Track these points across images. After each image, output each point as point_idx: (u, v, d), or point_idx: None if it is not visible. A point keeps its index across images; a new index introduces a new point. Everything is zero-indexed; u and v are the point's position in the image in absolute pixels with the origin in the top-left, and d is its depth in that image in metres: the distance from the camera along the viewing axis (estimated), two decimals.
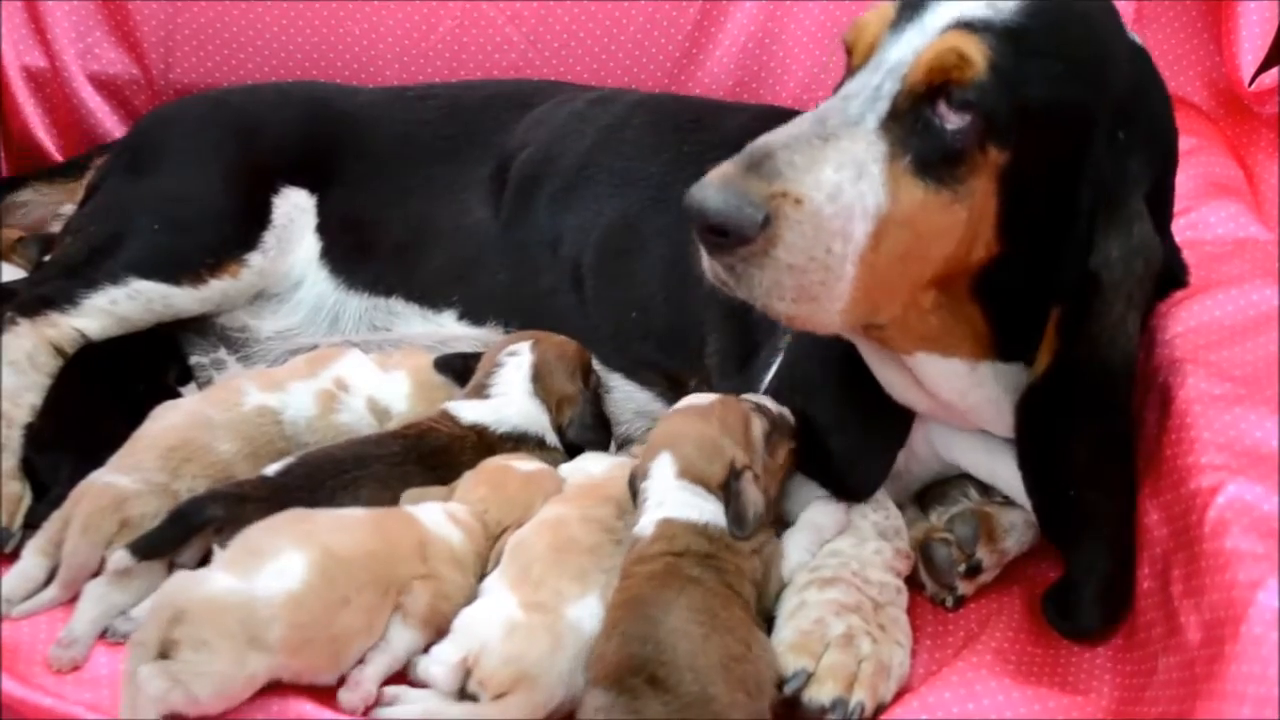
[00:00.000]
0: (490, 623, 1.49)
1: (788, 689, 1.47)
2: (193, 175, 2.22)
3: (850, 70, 1.47)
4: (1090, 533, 1.56)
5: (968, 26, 1.38)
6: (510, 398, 1.89)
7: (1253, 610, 1.25)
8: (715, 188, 1.32)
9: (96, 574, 1.60)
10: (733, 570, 1.53)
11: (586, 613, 1.51)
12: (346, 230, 2.28)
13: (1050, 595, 1.62)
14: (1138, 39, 1.56)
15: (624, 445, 2.06)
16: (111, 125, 2.68)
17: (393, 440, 1.81)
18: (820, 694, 1.46)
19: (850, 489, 1.70)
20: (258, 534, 1.50)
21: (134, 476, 1.69)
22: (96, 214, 2.23)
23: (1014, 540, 1.73)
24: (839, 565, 1.61)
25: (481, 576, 1.61)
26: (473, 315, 2.20)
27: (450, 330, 2.20)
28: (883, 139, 1.37)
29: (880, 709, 1.49)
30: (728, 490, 1.57)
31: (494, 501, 1.68)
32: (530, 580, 1.54)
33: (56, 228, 2.36)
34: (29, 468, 1.83)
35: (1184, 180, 1.88)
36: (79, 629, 1.54)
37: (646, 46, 2.65)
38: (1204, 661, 1.31)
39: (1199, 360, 1.61)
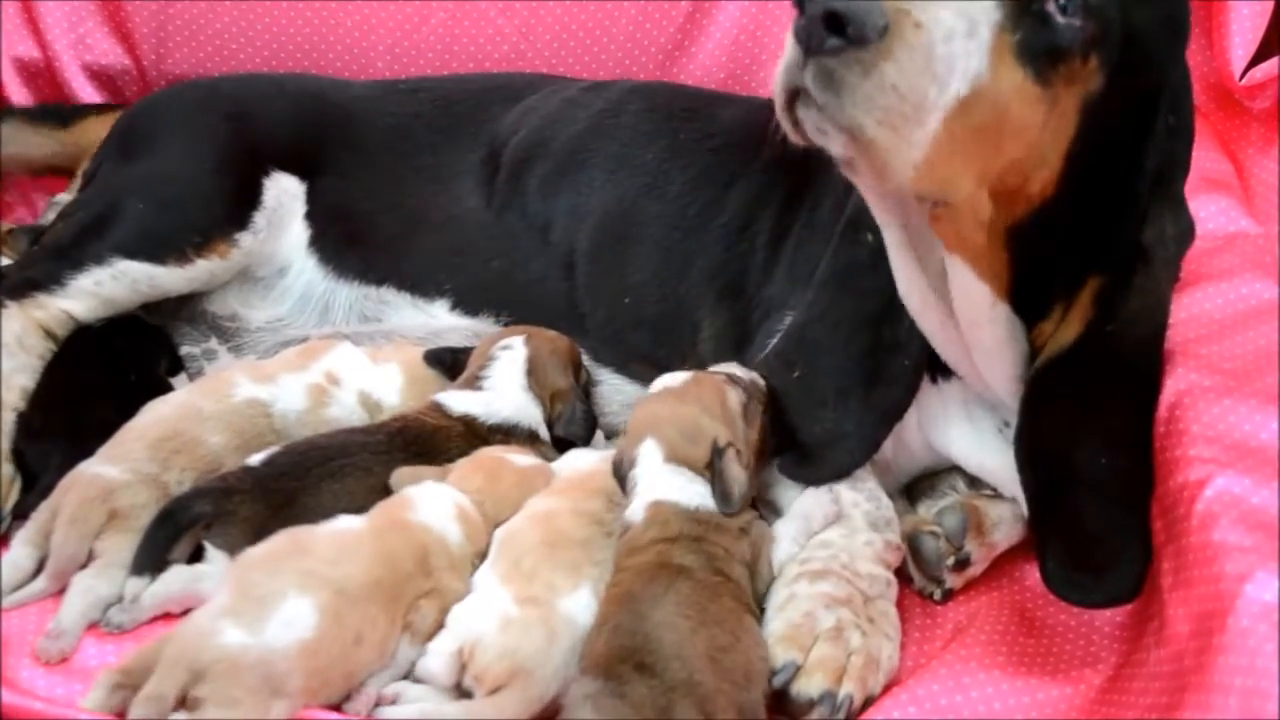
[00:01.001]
0: (485, 617, 1.49)
1: (776, 681, 1.47)
2: (182, 156, 2.22)
3: None
4: (1122, 498, 1.56)
5: None
6: (503, 390, 1.89)
7: (1240, 603, 1.26)
8: None
9: (85, 565, 1.60)
10: (722, 554, 1.53)
11: (579, 606, 1.51)
12: (336, 219, 2.27)
13: (1075, 569, 1.58)
14: None
15: (611, 437, 2.07)
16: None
17: (378, 429, 1.82)
18: (809, 686, 1.47)
19: (836, 462, 1.70)
20: (257, 576, 1.44)
21: (123, 467, 1.69)
22: (86, 198, 2.23)
23: (1002, 533, 1.73)
24: (829, 558, 1.61)
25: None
26: (465, 305, 2.19)
27: (443, 321, 2.20)
28: (999, 8, 1.33)
29: (869, 701, 1.50)
30: (713, 469, 1.58)
31: (489, 494, 1.68)
32: (522, 574, 1.53)
33: (50, 217, 2.36)
34: (18, 457, 1.83)
35: None
36: (67, 621, 1.54)
37: (638, 39, 2.65)
38: (1192, 654, 1.32)
39: (1189, 353, 1.62)
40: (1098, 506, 1.56)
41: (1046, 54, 1.36)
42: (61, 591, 1.59)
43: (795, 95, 1.32)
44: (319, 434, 1.82)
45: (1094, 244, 1.51)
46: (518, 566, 1.54)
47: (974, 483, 1.80)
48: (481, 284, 2.19)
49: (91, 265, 2.05)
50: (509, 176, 2.23)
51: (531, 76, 2.53)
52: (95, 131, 2.43)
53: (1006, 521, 1.74)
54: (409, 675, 1.50)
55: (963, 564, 1.70)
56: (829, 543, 1.63)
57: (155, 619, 1.58)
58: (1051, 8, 1.36)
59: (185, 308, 2.22)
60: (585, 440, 1.94)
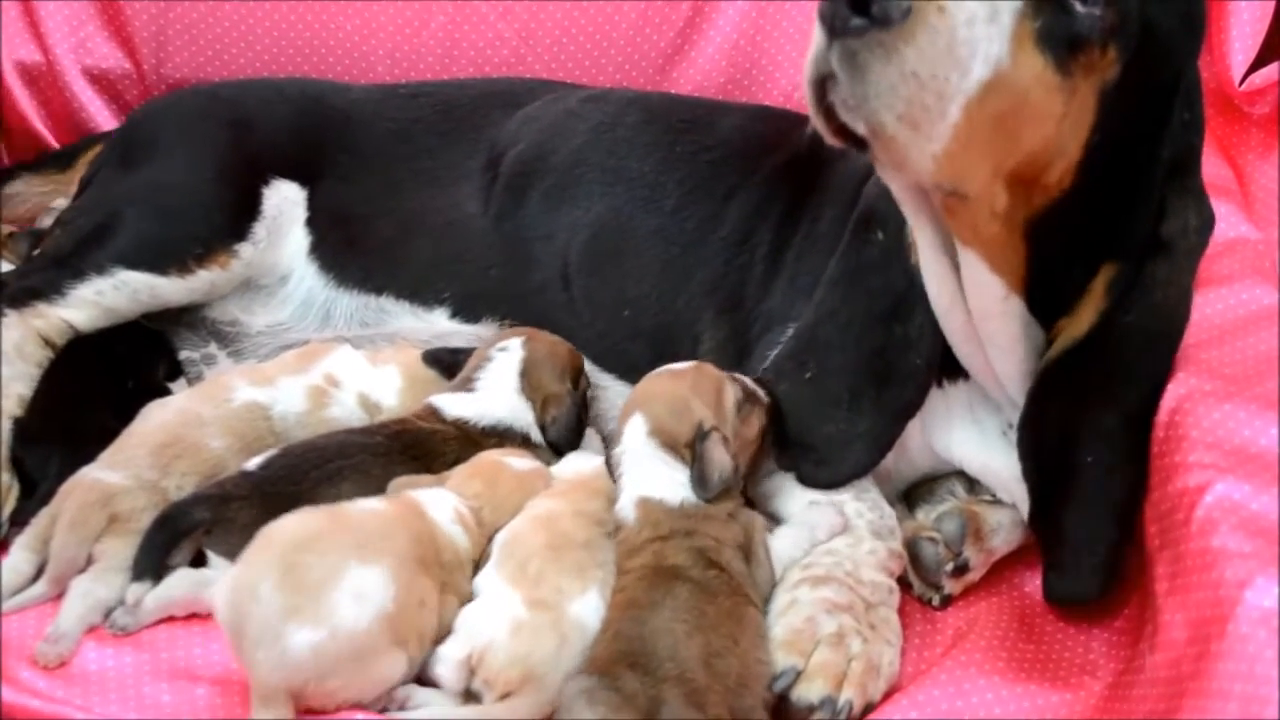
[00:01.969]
0: (495, 621, 1.48)
1: (776, 686, 1.47)
2: (182, 165, 2.22)
3: None
4: (1098, 498, 1.57)
5: None
6: (495, 393, 1.89)
7: (1240, 609, 1.26)
8: None
9: (85, 570, 1.60)
10: (713, 545, 1.54)
11: (589, 609, 1.51)
12: (336, 225, 2.27)
13: (1048, 564, 1.63)
14: None
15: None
16: (105, 120, 2.68)
17: (376, 432, 1.81)
18: (809, 692, 1.47)
19: (850, 462, 1.70)
20: (308, 559, 1.41)
21: (123, 473, 1.69)
22: (86, 206, 2.23)
23: (1001, 539, 1.74)
24: (833, 564, 1.61)
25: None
26: (464, 312, 2.19)
27: (442, 327, 2.20)
28: None
29: (869, 708, 1.50)
30: (694, 450, 1.59)
31: (488, 499, 1.67)
32: (529, 577, 1.53)
33: (48, 221, 2.36)
34: (17, 464, 1.83)
35: None
36: (66, 624, 1.53)
37: (638, 44, 2.65)
38: (1191, 660, 1.32)
39: (1189, 358, 1.62)
40: (1074, 506, 1.58)
41: (1066, 42, 1.37)
42: (61, 596, 1.58)
43: (824, 85, 1.33)
44: (317, 436, 1.82)
45: (1109, 234, 1.52)
46: (524, 570, 1.54)
47: (973, 488, 1.80)
48: (480, 292, 2.19)
49: (93, 275, 2.06)
50: (508, 189, 2.23)
51: (532, 82, 2.53)
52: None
53: (1005, 527, 1.74)
54: (418, 679, 1.50)
55: (961, 569, 1.70)
56: (834, 550, 1.63)
57: (159, 622, 1.58)
58: None
59: (185, 313, 2.22)
60: (570, 446, 1.93)
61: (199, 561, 1.63)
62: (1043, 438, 1.59)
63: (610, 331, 2.10)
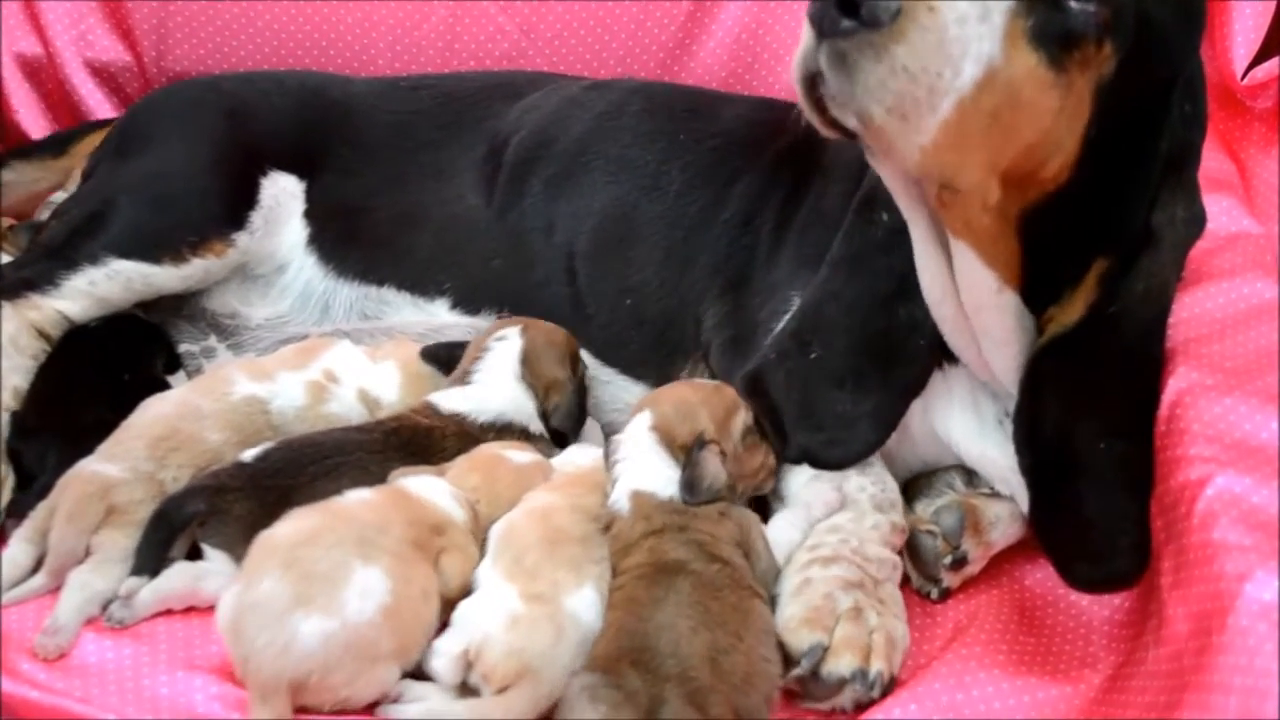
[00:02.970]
0: (492, 614, 1.48)
1: (805, 664, 1.47)
2: (179, 154, 2.22)
3: None
4: (1119, 482, 1.56)
5: None
6: (495, 384, 1.89)
7: (1240, 602, 1.26)
8: None
9: (83, 562, 1.60)
10: (710, 539, 1.54)
11: (584, 603, 1.50)
12: (336, 217, 2.27)
13: (1072, 555, 1.60)
14: None
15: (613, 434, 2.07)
16: (105, 112, 2.69)
17: (374, 428, 1.81)
18: (839, 666, 1.47)
19: (856, 443, 1.70)
20: (314, 553, 1.43)
21: (121, 465, 1.69)
22: (81, 197, 2.23)
23: (999, 532, 1.73)
24: (839, 543, 1.61)
25: None
26: (465, 303, 2.19)
27: (443, 319, 2.20)
28: None
29: (893, 679, 1.50)
30: (689, 455, 1.60)
31: (485, 494, 1.67)
32: (525, 571, 1.53)
33: (46, 214, 2.36)
34: (15, 457, 1.83)
35: None
36: (64, 616, 1.53)
37: (639, 38, 2.64)
38: (1192, 653, 1.32)
39: (1190, 352, 1.62)
40: (1095, 492, 1.57)
41: (1060, 39, 1.36)
42: (60, 588, 1.58)
43: (814, 81, 1.33)
44: (316, 431, 1.82)
45: (1104, 228, 1.52)
46: (520, 563, 1.54)
47: (971, 481, 1.80)
48: (482, 283, 2.19)
49: (86, 264, 2.06)
50: (510, 178, 2.23)
51: (533, 74, 2.53)
52: (91, 149, 2.42)
53: (1004, 520, 1.74)
54: (415, 673, 1.50)
55: (960, 563, 1.70)
56: (838, 527, 1.64)
57: (157, 615, 1.58)
58: None
59: (184, 305, 2.22)
60: (573, 433, 1.93)
61: (195, 555, 1.63)
62: (1038, 428, 1.59)
63: (613, 321, 2.10)
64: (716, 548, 1.53)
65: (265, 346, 2.21)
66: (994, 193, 1.44)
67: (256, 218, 2.21)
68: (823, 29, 1.29)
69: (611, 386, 2.11)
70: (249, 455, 1.70)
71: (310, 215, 2.28)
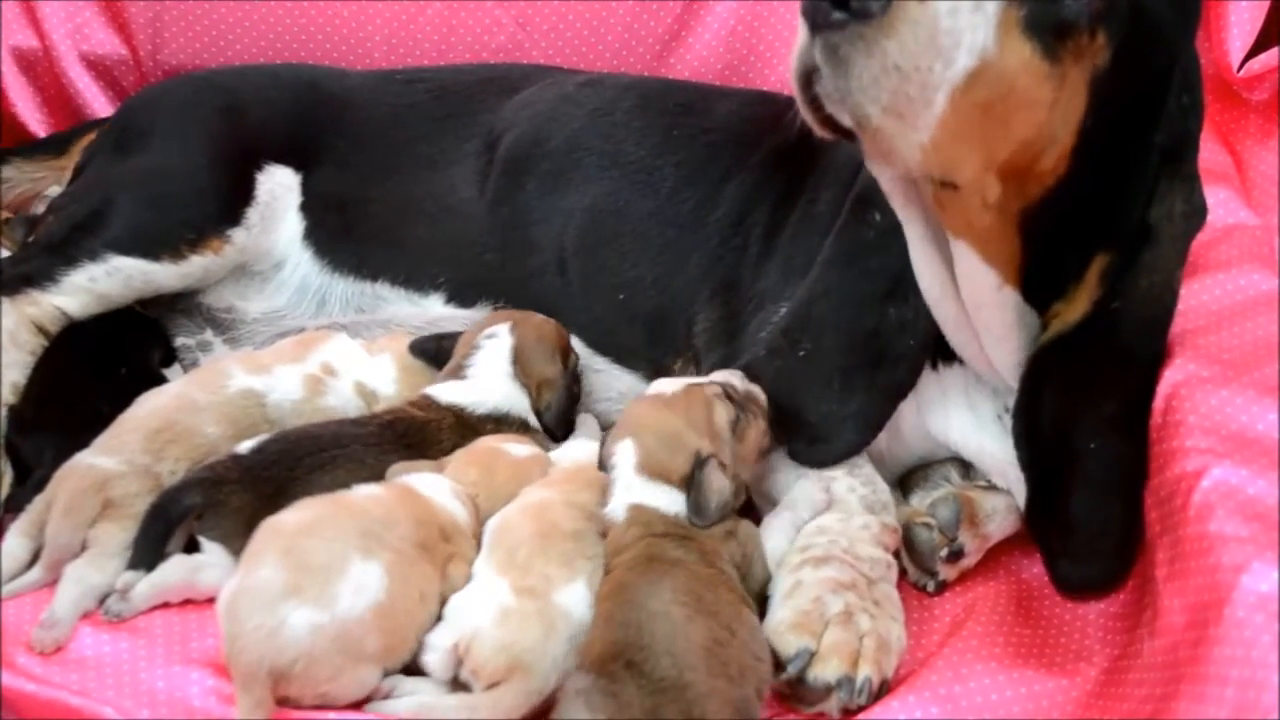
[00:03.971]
0: (482, 608, 1.48)
1: (791, 669, 1.46)
2: (176, 151, 2.22)
3: None
4: (1107, 482, 1.56)
5: None
6: (489, 380, 1.89)
7: (1236, 594, 1.26)
8: None
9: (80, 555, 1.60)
10: (711, 550, 1.53)
11: (575, 599, 1.50)
12: (331, 210, 2.28)
13: (1056, 553, 1.61)
14: None
15: (608, 427, 2.06)
16: (101, 106, 2.68)
17: (369, 420, 1.81)
18: (825, 672, 1.46)
19: (842, 442, 1.70)
20: (312, 544, 1.44)
21: (118, 458, 1.69)
22: (79, 192, 2.23)
23: (996, 524, 1.73)
24: (829, 543, 1.61)
25: None
26: (459, 297, 2.20)
27: (437, 312, 2.20)
28: None
29: (884, 684, 1.49)
30: (691, 480, 1.57)
31: (484, 487, 1.67)
32: (517, 565, 1.52)
33: (42, 208, 2.35)
34: (12, 451, 1.83)
35: None
36: (60, 610, 1.53)
37: (635, 31, 2.64)
38: (1188, 645, 1.32)
39: (1187, 344, 1.62)
40: (1084, 491, 1.57)
41: (1054, 28, 1.35)
42: (57, 581, 1.58)
43: (810, 78, 1.32)
44: (312, 424, 1.82)
45: (1104, 222, 1.51)
46: (512, 558, 1.53)
47: (968, 474, 1.80)
48: (475, 277, 2.19)
49: (85, 261, 2.06)
50: (504, 173, 2.23)
51: (528, 68, 2.53)
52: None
53: (1000, 513, 1.74)
54: (407, 668, 1.50)
55: (956, 555, 1.70)
56: (826, 528, 1.63)
57: (154, 608, 1.58)
58: None
59: (181, 300, 2.22)
60: (565, 430, 1.93)
61: (192, 548, 1.63)
62: (1038, 424, 1.59)
63: (606, 315, 2.10)
64: (714, 559, 1.52)
65: (262, 340, 2.21)
66: (993, 189, 1.43)
67: (253, 214, 2.21)
68: (815, 22, 1.28)
69: (604, 376, 2.11)
70: (244, 448, 1.70)
71: (306, 208, 2.28)
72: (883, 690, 1.49)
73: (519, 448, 1.76)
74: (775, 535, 1.64)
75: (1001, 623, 1.64)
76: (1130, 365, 1.58)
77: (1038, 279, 1.57)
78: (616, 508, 1.58)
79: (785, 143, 2.07)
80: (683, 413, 1.62)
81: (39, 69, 2.66)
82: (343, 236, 2.26)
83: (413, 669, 1.49)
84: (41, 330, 2.00)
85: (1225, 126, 2.36)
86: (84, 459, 1.69)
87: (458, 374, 1.91)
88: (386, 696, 1.46)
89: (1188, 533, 1.38)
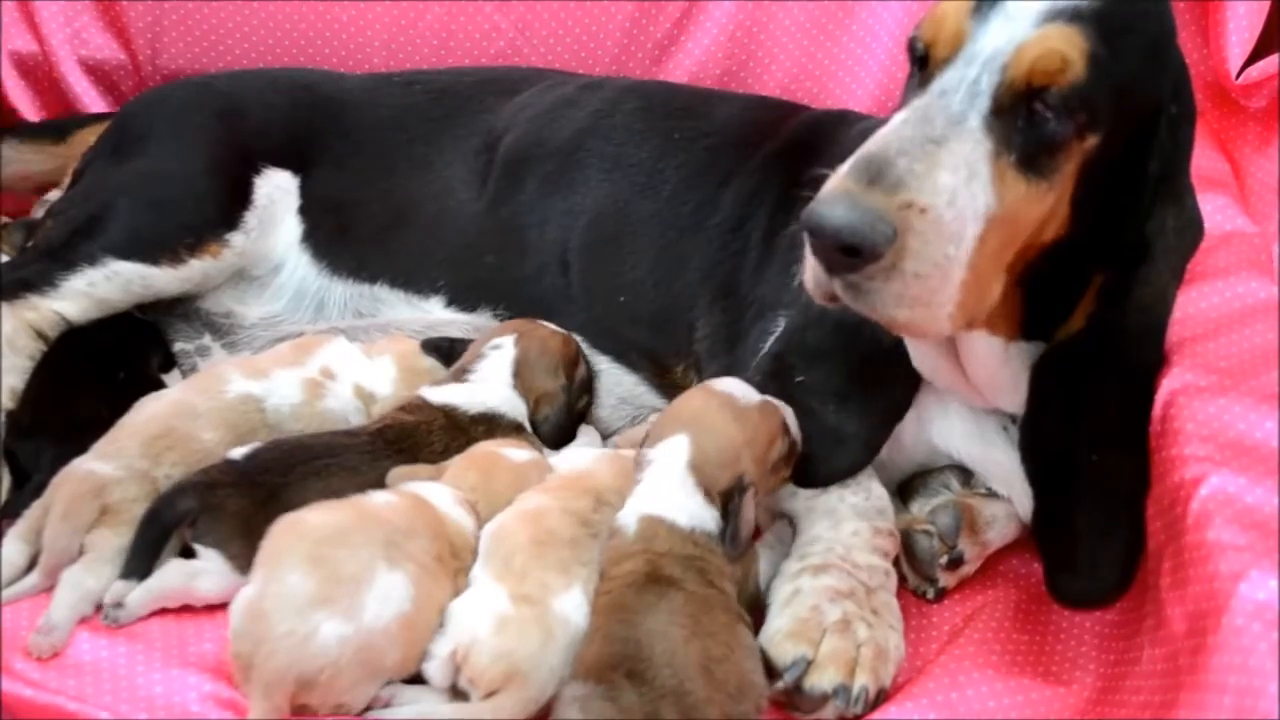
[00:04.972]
0: (480, 616, 1.48)
1: (788, 677, 1.46)
2: (174, 156, 2.21)
3: (935, 63, 1.43)
4: (1107, 495, 1.57)
5: (1059, 17, 1.37)
6: (490, 386, 1.89)
7: (1234, 602, 1.26)
8: (844, 206, 1.30)
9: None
10: (714, 570, 1.51)
11: (572, 606, 1.49)
12: (329, 213, 2.27)
13: (1056, 566, 1.62)
14: None
15: (608, 437, 2.07)
16: (99, 110, 2.66)
17: (360, 430, 1.81)
18: (821, 680, 1.46)
19: (839, 464, 1.70)
20: (340, 554, 1.43)
21: (115, 463, 1.68)
22: (78, 197, 2.23)
23: (996, 532, 1.73)
24: (825, 551, 1.61)
25: None
26: (460, 300, 2.19)
27: (438, 315, 2.20)
28: (988, 137, 1.36)
29: (881, 693, 1.49)
30: (726, 499, 1.55)
31: (483, 492, 1.67)
32: (514, 573, 1.52)
33: (41, 213, 2.35)
34: (10, 457, 1.83)
35: None
36: (57, 616, 1.53)
37: (633, 34, 2.64)
38: (1187, 653, 1.32)
39: (1185, 351, 1.62)
40: (1085, 504, 1.58)
41: (1043, 154, 1.38)
42: (54, 587, 1.58)
43: (832, 295, 1.38)
44: (304, 435, 1.81)
45: (1101, 249, 1.52)
46: (509, 565, 1.53)
47: (968, 481, 1.80)
48: (475, 280, 2.19)
49: (84, 266, 2.05)
50: (504, 175, 2.23)
51: (527, 70, 2.53)
52: (91, 141, 2.41)
53: (1000, 520, 1.74)
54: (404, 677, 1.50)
55: (956, 563, 1.70)
56: (818, 537, 1.63)
57: (152, 613, 1.57)
58: (1038, 109, 1.37)
59: (179, 305, 2.21)
60: (562, 444, 1.93)
61: (189, 553, 1.62)
62: (1044, 438, 1.59)
63: (606, 316, 2.11)
64: (715, 578, 1.51)
65: (260, 345, 2.21)
66: (1001, 285, 1.45)
67: (251, 218, 2.20)
68: (830, 268, 1.34)
69: (604, 376, 2.11)
70: (237, 453, 1.70)
71: (304, 211, 2.28)
72: (880, 699, 1.48)
73: (518, 452, 1.75)
74: (764, 565, 1.63)
75: (1000, 630, 1.64)
76: (1127, 375, 1.58)
77: (1040, 318, 1.58)
78: (629, 517, 1.55)
79: (784, 146, 2.07)
80: (751, 431, 1.60)
81: (38, 73, 2.66)
82: (341, 239, 2.26)
83: (412, 677, 1.49)
84: (40, 335, 2.00)
85: (1223, 134, 2.37)
86: (82, 464, 1.68)
87: (459, 379, 1.91)
88: (386, 705, 1.45)
89: (1186, 541, 1.39)
